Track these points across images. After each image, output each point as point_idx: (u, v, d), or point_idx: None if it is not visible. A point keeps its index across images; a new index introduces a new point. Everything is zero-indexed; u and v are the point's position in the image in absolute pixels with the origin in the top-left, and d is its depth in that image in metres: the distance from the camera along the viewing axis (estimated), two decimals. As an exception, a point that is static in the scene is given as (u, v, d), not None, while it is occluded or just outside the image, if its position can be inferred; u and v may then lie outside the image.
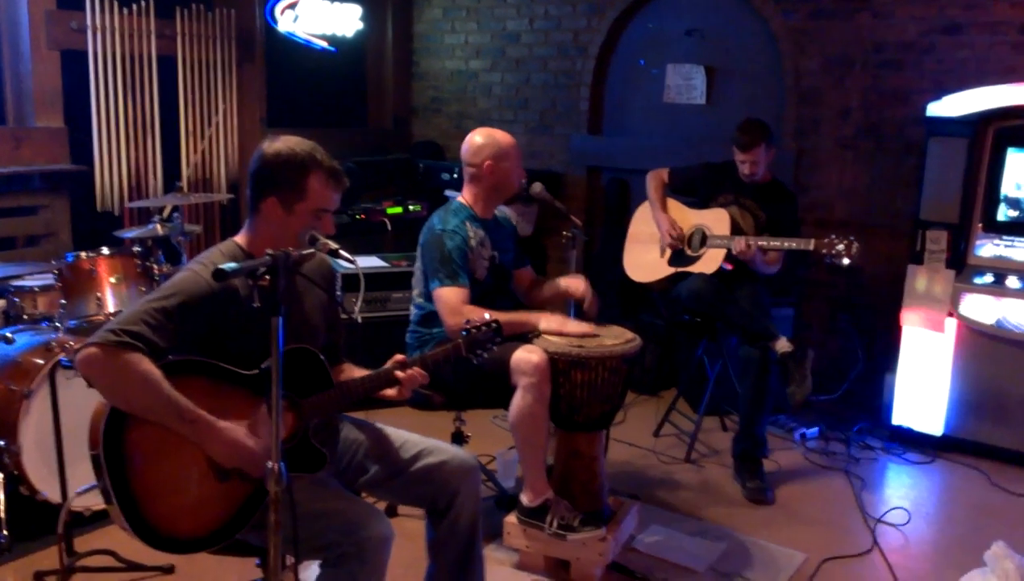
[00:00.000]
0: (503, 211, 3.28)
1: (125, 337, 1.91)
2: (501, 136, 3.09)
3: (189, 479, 1.99)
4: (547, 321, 2.95)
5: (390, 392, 2.27)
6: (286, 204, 2.11)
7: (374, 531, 2.04)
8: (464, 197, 3.14)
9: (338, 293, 2.76)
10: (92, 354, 1.91)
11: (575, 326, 2.95)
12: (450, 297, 2.92)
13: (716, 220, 3.85)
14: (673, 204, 4.04)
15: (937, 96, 4.03)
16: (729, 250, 3.72)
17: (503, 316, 2.83)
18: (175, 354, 2.02)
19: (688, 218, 3.97)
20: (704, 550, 3.13)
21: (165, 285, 2.05)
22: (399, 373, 2.24)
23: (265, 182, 2.11)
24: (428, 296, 3.05)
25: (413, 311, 3.19)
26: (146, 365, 1.91)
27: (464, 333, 2.31)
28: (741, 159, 3.82)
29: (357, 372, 2.37)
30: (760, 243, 3.61)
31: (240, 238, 2.20)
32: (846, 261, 3.46)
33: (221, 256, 2.13)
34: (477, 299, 2.96)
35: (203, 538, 2.01)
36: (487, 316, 2.35)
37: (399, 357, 2.28)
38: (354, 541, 2.01)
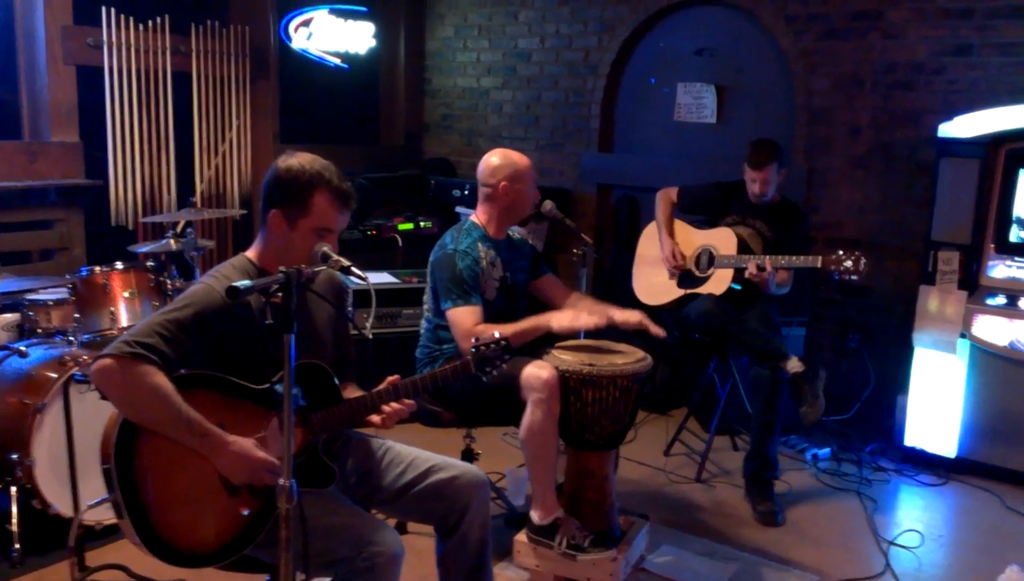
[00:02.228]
0: (516, 231, 3.29)
1: (139, 349, 1.92)
2: (517, 157, 3.10)
3: (200, 493, 2.00)
4: (559, 320, 2.91)
5: (375, 419, 2.25)
6: (290, 218, 2.12)
7: (385, 547, 2.04)
8: (477, 216, 3.15)
9: (349, 309, 2.77)
10: (106, 365, 1.93)
11: (587, 319, 2.89)
12: (463, 318, 2.92)
13: (723, 240, 3.85)
14: (680, 225, 4.04)
15: (948, 117, 4.03)
16: (737, 270, 3.72)
17: (514, 328, 2.84)
18: (188, 367, 2.03)
19: (694, 239, 3.97)
20: (715, 571, 3.11)
21: (179, 298, 2.06)
22: (386, 407, 2.22)
23: (272, 195, 2.13)
24: (438, 312, 3.05)
25: (423, 326, 3.19)
26: (159, 378, 1.93)
27: (473, 350, 2.31)
28: (752, 177, 3.82)
29: (358, 395, 2.35)
30: (767, 262, 3.60)
31: (251, 253, 2.22)
32: (855, 277, 3.45)
33: (234, 270, 2.15)
34: (488, 320, 2.95)
35: (213, 552, 2.01)
36: (496, 334, 2.34)
37: (394, 378, 2.24)
38: (365, 557, 2.01)
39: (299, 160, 2.13)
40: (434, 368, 3.01)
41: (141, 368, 1.92)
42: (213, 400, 2.02)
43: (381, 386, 2.23)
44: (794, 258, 3.58)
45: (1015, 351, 3.82)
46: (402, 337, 4.28)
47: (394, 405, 2.23)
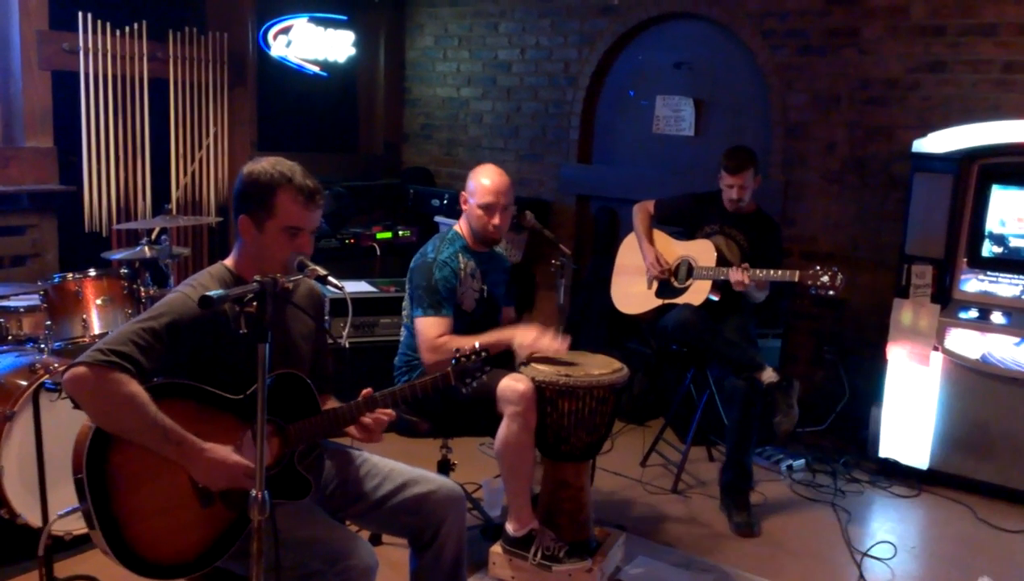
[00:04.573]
0: (500, 245, 3.28)
1: (113, 357, 1.90)
2: (486, 175, 3.08)
3: (172, 504, 1.97)
4: (521, 335, 2.92)
5: (357, 433, 2.23)
6: (257, 222, 2.11)
7: (359, 560, 2.02)
8: (460, 226, 3.16)
9: (326, 318, 2.73)
10: (80, 374, 1.90)
11: (548, 342, 2.92)
12: (428, 328, 2.92)
13: (702, 251, 3.87)
14: (659, 235, 4.07)
15: (922, 132, 4.08)
16: (715, 281, 3.74)
17: (477, 341, 2.84)
18: (163, 376, 2.01)
19: (674, 250, 3.99)
20: (690, 582, 3.11)
21: (155, 306, 2.04)
22: (365, 419, 2.20)
23: (239, 200, 2.13)
24: (416, 320, 3.05)
25: (403, 334, 3.18)
26: (133, 386, 1.90)
27: (453, 362, 2.30)
28: (728, 183, 3.84)
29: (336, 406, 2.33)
30: (746, 276, 3.62)
31: (229, 261, 2.20)
32: (831, 293, 3.48)
33: (211, 279, 2.14)
34: (465, 330, 2.95)
35: (185, 564, 1.99)
36: (476, 345, 2.34)
37: (368, 391, 2.22)
38: (339, 570, 1.99)
39: (262, 164, 2.13)
40: (412, 377, 3.02)
41: (115, 376, 1.89)
42: (188, 410, 2.00)
43: (358, 399, 2.22)
44: (772, 272, 3.61)
45: (987, 364, 3.87)
46: (379, 346, 4.26)
47: (378, 416, 2.22)
